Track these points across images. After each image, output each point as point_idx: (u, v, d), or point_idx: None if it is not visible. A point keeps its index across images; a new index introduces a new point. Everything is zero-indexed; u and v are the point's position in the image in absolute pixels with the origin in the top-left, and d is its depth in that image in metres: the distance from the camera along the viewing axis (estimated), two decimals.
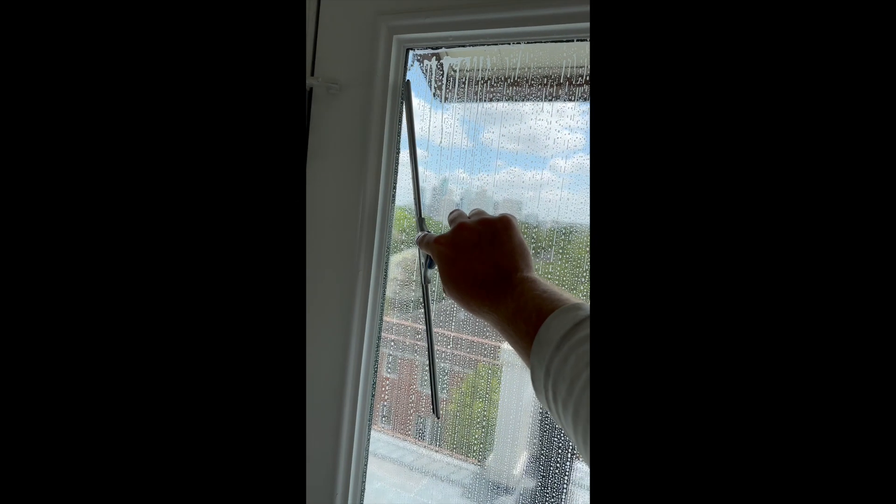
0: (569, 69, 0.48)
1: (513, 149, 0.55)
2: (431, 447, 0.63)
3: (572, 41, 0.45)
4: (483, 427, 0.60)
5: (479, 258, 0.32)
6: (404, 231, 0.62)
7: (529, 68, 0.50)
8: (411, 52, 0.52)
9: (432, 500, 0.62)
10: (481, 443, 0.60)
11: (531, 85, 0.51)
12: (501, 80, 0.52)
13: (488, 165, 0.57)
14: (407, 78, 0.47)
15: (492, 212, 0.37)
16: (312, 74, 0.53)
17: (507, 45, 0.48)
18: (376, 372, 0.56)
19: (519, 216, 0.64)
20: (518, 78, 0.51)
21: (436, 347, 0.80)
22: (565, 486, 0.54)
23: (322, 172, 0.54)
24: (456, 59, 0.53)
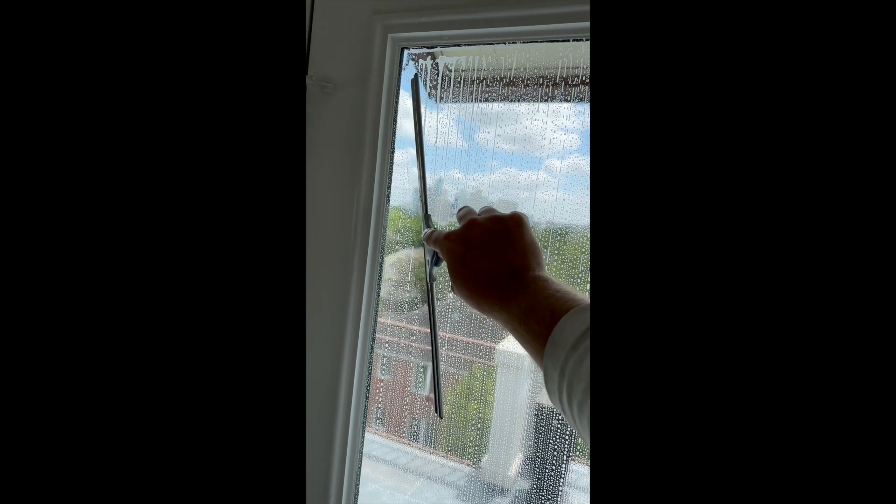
0: (564, 69, 0.48)
1: (508, 149, 0.55)
2: (426, 449, 0.63)
3: (568, 41, 0.45)
4: (478, 428, 0.60)
5: (491, 256, 0.32)
6: (398, 231, 0.61)
7: (524, 68, 0.50)
8: (406, 52, 0.52)
9: (427, 501, 0.61)
10: (476, 444, 0.60)
11: (526, 85, 0.51)
12: (497, 81, 0.52)
13: (483, 166, 0.57)
14: (414, 72, 0.46)
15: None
16: (307, 73, 0.52)
17: (502, 45, 0.48)
18: (370, 374, 0.55)
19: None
20: (514, 78, 0.51)
21: (430, 349, 0.79)
22: (560, 487, 0.54)
23: (316, 172, 0.54)
24: (451, 58, 0.53)
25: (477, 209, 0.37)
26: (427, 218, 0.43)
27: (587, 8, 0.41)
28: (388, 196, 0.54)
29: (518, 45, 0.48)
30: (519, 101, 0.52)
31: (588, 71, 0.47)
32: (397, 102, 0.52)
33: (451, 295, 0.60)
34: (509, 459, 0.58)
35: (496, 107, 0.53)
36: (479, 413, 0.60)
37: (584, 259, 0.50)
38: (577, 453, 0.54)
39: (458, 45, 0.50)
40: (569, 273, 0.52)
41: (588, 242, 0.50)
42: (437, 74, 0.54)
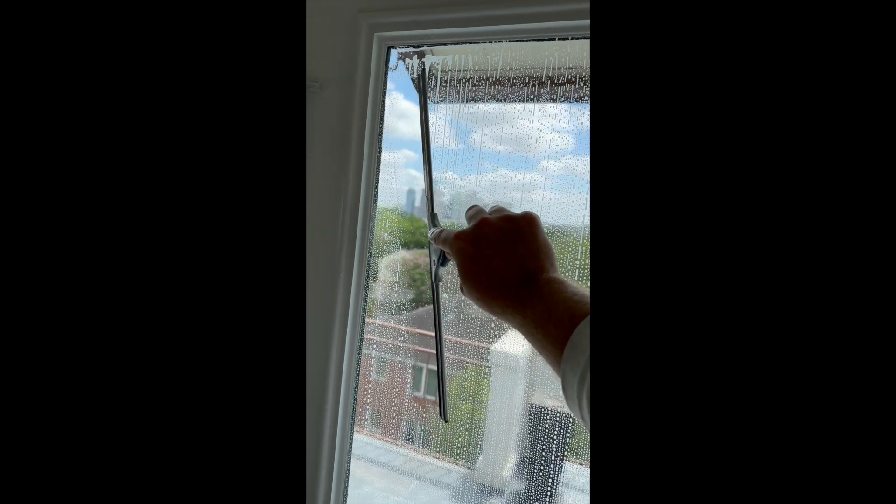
0: (550, 69, 0.48)
1: (501, 150, 0.55)
2: (420, 450, 0.63)
3: (553, 39, 0.45)
4: (472, 429, 0.60)
5: (503, 256, 0.31)
6: (387, 231, 0.61)
7: (511, 68, 0.50)
8: (394, 51, 0.52)
9: (421, 503, 0.61)
10: (470, 445, 0.60)
11: (513, 84, 0.51)
12: (483, 80, 0.52)
13: (477, 167, 0.57)
14: (421, 67, 0.46)
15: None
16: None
17: (491, 44, 0.48)
18: (358, 375, 0.55)
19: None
20: (502, 77, 0.51)
21: (426, 350, 0.79)
22: (554, 487, 0.53)
23: None
24: (437, 57, 0.53)
25: (470, 210, 0.36)
26: (433, 217, 0.42)
27: (572, 6, 0.41)
28: (376, 196, 0.54)
29: (506, 45, 0.48)
30: (506, 101, 0.52)
31: (575, 70, 0.47)
32: (384, 102, 0.52)
33: (445, 296, 0.59)
34: (504, 460, 0.58)
35: (488, 107, 0.53)
36: (473, 414, 0.60)
37: (577, 260, 0.50)
38: (571, 453, 0.54)
39: (445, 45, 0.50)
40: (563, 274, 0.52)
41: (581, 243, 0.50)
42: (424, 73, 0.54)
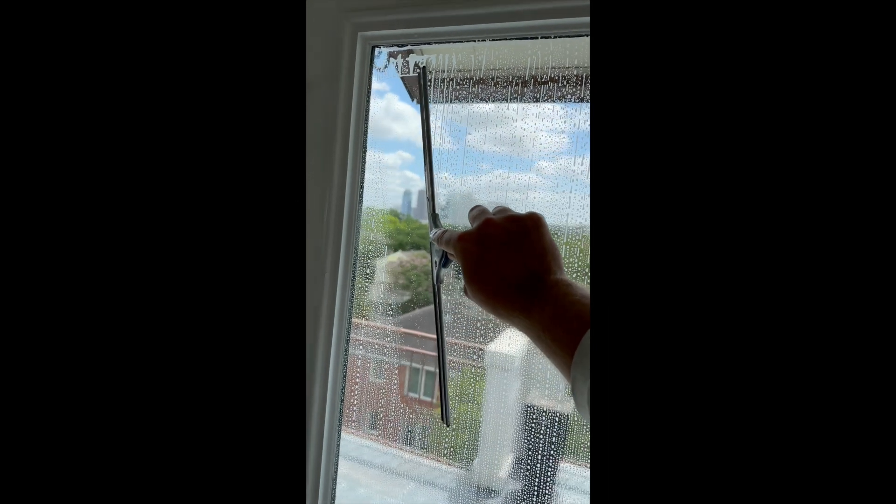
0: (533, 68, 0.48)
1: (498, 151, 0.55)
2: (416, 452, 0.62)
3: (536, 38, 0.45)
4: (467, 430, 0.60)
5: (509, 258, 0.30)
6: (383, 233, 0.61)
7: (495, 68, 0.50)
8: (384, 50, 0.52)
9: None
10: (466, 446, 0.60)
11: (496, 84, 0.51)
12: (467, 80, 0.52)
13: (473, 168, 0.57)
14: (423, 65, 0.46)
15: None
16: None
17: (476, 43, 0.48)
18: (345, 375, 0.55)
19: None
20: (486, 77, 0.51)
21: (423, 352, 0.79)
22: (551, 487, 0.53)
23: None
24: (421, 56, 0.53)
25: (473, 211, 0.36)
26: (435, 217, 0.41)
27: (555, 5, 0.41)
28: (361, 196, 0.54)
29: (488, 44, 0.48)
30: (489, 100, 0.52)
31: (558, 70, 0.47)
32: (369, 101, 0.52)
33: (443, 297, 0.59)
34: (500, 460, 0.58)
35: (484, 108, 0.53)
36: (469, 415, 0.60)
37: (574, 261, 0.51)
38: (567, 453, 0.54)
39: (430, 44, 0.50)
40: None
41: (578, 243, 0.50)
42: (408, 73, 0.54)
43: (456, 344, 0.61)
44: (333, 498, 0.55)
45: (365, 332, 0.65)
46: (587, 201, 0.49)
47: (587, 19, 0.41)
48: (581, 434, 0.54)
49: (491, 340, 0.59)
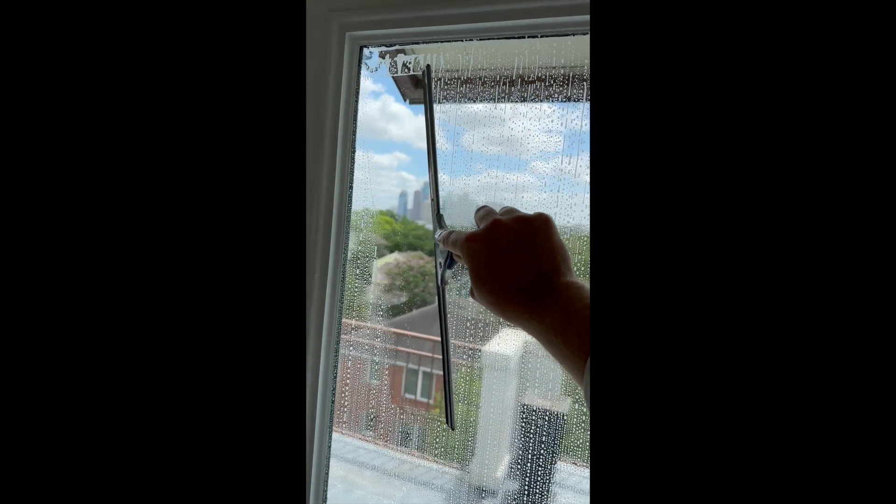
0: (520, 68, 0.48)
1: (493, 151, 0.55)
2: (413, 453, 0.62)
3: (524, 38, 0.45)
4: (465, 431, 0.60)
5: (518, 259, 0.29)
6: (379, 234, 0.61)
7: (483, 67, 0.50)
8: (376, 50, 0.52)
9: None
10: (463, 447, 0.60)
11: (484, 83, 0.51)
12: (455, 79, 0.52)
13: (469, 168, 0.57)
14: (427, 63, 0.45)
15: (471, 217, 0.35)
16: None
17: (469, 42, 0.48)
18: (335, 377, 0.55)
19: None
20: (482, 77, 0.51)
21: (420, 354, 0.79)
22: (548, 487, 0.53)
23: None
24: (409, 56, 0.53)
25: (469, 211, 0.36)
26: (439, 218, 0.40)
27: (541, 4, 0.41)
28: (350, 197, 0.54)
29: (476, 43, 0.48)
30: (476, 100, 0.52)
31: (545, 70, 0.48)
32: (357, 101, 0.52)
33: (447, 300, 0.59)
34: (497, 460, 0.58)
35: (478, 108, 0.53)
36: (466, 415, 0.60)
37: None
38: (564, 452, 0.54)
39: (417, 43, 0.50)
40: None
41: (574, 244, 0.50)
42: (396, 73, 0.54)
43: (451, 344, 0.61)
44: (325, 500, 0.55)
45: (361, 334, 0.65)
46: (577, 199, 0.49)
47: (573, 18, 0.41)
48: (578, 433, 0.53)
49: (487, 341, 0.59)
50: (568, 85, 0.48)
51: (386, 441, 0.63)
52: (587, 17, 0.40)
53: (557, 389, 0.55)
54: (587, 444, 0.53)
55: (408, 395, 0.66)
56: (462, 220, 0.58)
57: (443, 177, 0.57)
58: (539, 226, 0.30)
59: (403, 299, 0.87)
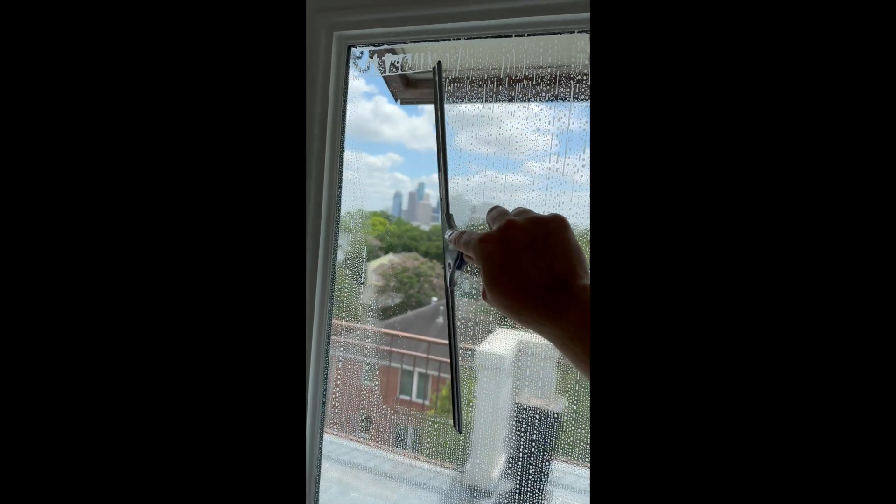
0: (508, 67, 0.48)
1: (487, 152, 0.55)
2: (409, 454, 0.62)
3: (510, 37, 0.45)
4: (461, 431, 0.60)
5: (533, 262, 0.29)
6: (374, 235, 0.61)
7: (470, 67, 0.50)
8: (366, 50, 0.52)
9: None
10: (459, 447, 0.60)
11: (471, 82, 0.51)
12: (450, 80, 0.52)
13: (463, 169, 0.57)
14: (438, 60, 0.45)
15: (468, 216, 0.35)
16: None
17: (456, 42, 0.48)
18: (326, 378, 0.55)
19: None
20: (469, 77, 0.51)
21: (415, 354, 0.79)
22: (543, 486, 0.53)
23: None
24: (397, 56, 0.53)
25: (464, 212, 0.36)
26: (448, 218, 0.40)
27: (527, 3, 0.41)
28: (339, 196, 0.54)
29: (463, 42, 0.48)
30: (464, 99, 0.52)
31: (532, 69, 0.48)
32: (345, 101, 0.52)
33: (436, 299, 0.59)
34: (492, 461, 0.58)
35: (473, 109, 0.53)
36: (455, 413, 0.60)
37: None
38: (560, 452, 0.54)
39: (405, 42, 0.50)
40: None
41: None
42: (384, 72, 0.54)
43: (445, 345, 0.61)
44: (317, 501, 0.55)
45: (356, 335, 0.65)
46: (564, 198, 0.49)
47: (559, 17, 0.41)
48: (574, 432, 0.53)
49: (482, 341, 0.59)
50: (555, 84, 0.48)
51: (381, 443, 0.63)
52: (573, 16, 0.40)
53: (552, 389, 0.55)
54: (581, 442, 0.53)
55: (402, 397, 0.66)
56: (456, 220, 0.58)
57: (434, 177, 0.57)
58: (554, 227, 0.30)
59: (398, 300, 0.87)
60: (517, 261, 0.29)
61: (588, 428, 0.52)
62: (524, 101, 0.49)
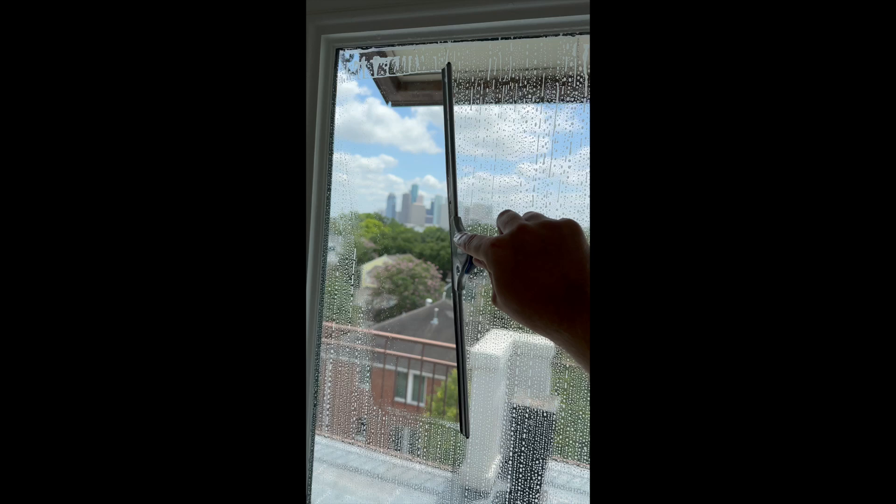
0: (495, 70, 0.49)
1: (480, 153, 0.55)
2: (405, 457, 0.62)
3: (497, 39, 0.45)
4: (456, 433, 0.60)
5: (545, 267, 0.29)
6: (368, 237, 0.61)
7: (458, 70, 0.51)
8: (357, 52, 0.52)
9: None
10: (454, 449, 0.60)
11: (459, 85, 0.51)
12: (432, 81, 0.52)
13: (458, 171, 0.57)
14: (448, 62, 0.45)
15: (464, 218, 0.35)
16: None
17: (443, 44, 0.48)
18: (317, 380, 0.55)
19: (488, 221, 0.64)
20: (457, 79, 0.51)
21: (412, 357, 0.79)
22: (538, 486, 0.53)
23: None
24: (386, 58, 0.53)
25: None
26: (457, 221, 0.39)
27: (515, 6, 0.41)
28: (329, 198, 0.54)
29: (451, 45, 0.48)
30: (460, 101, 0.52)
31: (518, 71, 0.48)
32: (334, 103, 0.53)
33: (433, 301, 0.59)
34: (488, 462, 0.58)
35: (466, 111, 0.53)
36: (457, 417, 0.60)
37: None
38: (555, 451, 0.54)
39: (393, 45, 0.50)
40: None
41: None
42: (373, 75, 0.55)
43: (440, 346, 0.61)
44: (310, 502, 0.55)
45: (349, 338, 0.65)
46: (551, 199, 0.50)
47: (544, 20, 0.41)
48: (570, 432, 0.54)
49: (476, 342, 0.59)
50: (541, 86, 0.48)
51: (376, 445, 0.63)
52: (558, 19, 0.41)
53: (546, 389, 0.55)
54: (577, 442, 0.53)
55: (398, 399, 0.66)
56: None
57: (427, 179, 0.57)
58: (567, 232, 0.30)
59: (393, 302, 0.87)
60: (530, 266, 0.29)
61: (582, 427, 0.52)
62: (511, 102, 0.49)
